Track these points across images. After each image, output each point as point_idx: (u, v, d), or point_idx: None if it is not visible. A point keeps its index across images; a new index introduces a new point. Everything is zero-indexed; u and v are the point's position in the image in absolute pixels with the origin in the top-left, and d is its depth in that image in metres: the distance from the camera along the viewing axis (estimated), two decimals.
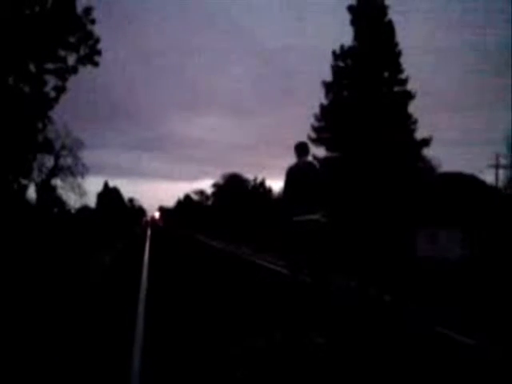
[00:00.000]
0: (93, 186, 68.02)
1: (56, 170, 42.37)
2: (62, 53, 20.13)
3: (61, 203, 46.81)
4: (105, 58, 21.48)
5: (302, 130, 27.10)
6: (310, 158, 5.97)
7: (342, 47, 25.80)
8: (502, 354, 4.49)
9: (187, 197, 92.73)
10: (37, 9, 19.00)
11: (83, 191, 43.92)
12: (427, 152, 25.78)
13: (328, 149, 25.92)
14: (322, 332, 4.91)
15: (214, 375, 3.81)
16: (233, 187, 66.27)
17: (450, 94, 69.26)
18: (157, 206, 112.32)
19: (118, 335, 4.94)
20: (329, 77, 25.95)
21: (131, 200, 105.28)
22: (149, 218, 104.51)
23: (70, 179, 42.86)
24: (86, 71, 21.09)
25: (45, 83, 20.16)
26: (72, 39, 20.03)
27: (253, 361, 4.17)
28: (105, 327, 5.33)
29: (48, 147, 27.95)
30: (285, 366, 4.06)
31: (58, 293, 7.57)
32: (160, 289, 8.17)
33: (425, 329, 5.49)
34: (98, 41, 20.54)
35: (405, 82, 24.93)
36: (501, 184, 30.31)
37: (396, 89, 24.99)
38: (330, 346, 4.61)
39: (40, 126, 21.14)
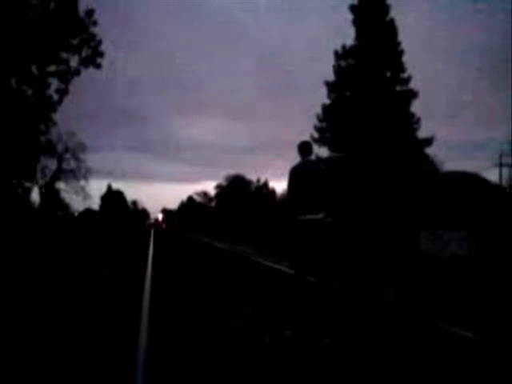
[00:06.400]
0: (96, 189, 68.07)
1: (59, 173, 42.58)
2: (65, 55, 20.23)
3: (64, 206, 47.01)
4: (107, 60, 21.55)
5: (305, 131, 27.09)
6: (313, 158, 5.96)
7: (343, 47, 25.76)
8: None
9: (190, 198, 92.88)
10: (38, 11, 19.05)
11: (86, 194, 44.13)
12: (430, 151, 25.68)
13: (331, 149, 25.87)
14: (330, 331, 4.88)
15: (220, 374, 3.78)
16: (236, 188, 66.30)
17: (453, 92, 69.08)
18: (160, 209, 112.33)
19: None
20: (331, 77, 25.94)
21: (134, 202, 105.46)
22: (152, 221, 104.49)
23: (74, 182, 43.08)
24: (88, 74, 21.16)
25: (47, 86, 20.22)
26: (74, 41, 20.10)
27: (262, 358, 4.14)
28: None
29: (51, 150, 28.03)
30: (294, 364, 4.03)
31: None
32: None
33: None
34: (100, 43, 20.61)
35: (407, 81, 24.87)
36: (505, 183, 30.24)
37: (398, 88, 24.93)
38: (337, 345, 4.57)
39: (43, 128, 21.19)
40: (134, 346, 4.49)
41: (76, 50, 20.02)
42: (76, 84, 20.94)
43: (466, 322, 5.75)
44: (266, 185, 69.19)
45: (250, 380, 3.71)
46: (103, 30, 20.94)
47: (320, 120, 26.36)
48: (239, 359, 4.17)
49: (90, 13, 19.88)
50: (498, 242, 14.73)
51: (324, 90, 26.07)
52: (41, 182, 40.28)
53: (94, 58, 20.39)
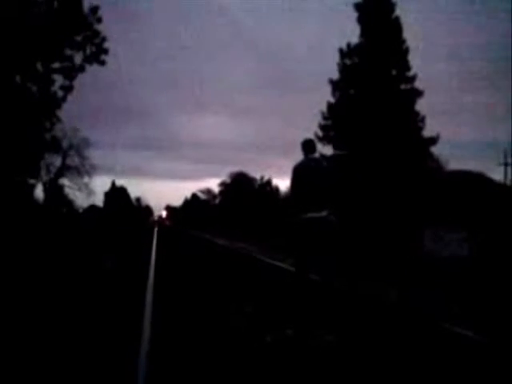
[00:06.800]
0: (100, 186, 68.07)
1: (63, 170, 42.73)
2: (69, 52, 20.26)
3: (68, 202, 47.18)
4: (110, 57, 21.55)
5: (309, 129, 27.04)
6: (316, 155, 5.95)
7: (348, 45, 25.67)
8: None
9: (194, 196, 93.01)
10: (43, 8, 19.08)
11: (90, 190, 44.29)
12: (435, 150, 25.57)
13: (335, 147, 25.81)
14: (331, 330, 4.88)
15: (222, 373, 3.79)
16: (240, 186, 66.33)
17: (458, 91, 68.81)
18: (163, 206, 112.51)
19: None
20: (335, 75, 25.87)
21: (138, 199, 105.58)
22: (156, 218, 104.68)
23: (77, 179, 43.24)
24: (92, 70, 21.19)
25: (52, 82, 20.28)
26: (78, 38, 20.13)
27: (264, 356, 4.15)
28: None
29: (55, 146, 28.10)
30: (295, 362, 4.03)
31: None
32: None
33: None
34: (104, 39, 20.63)
35: (412, 79, 24.77)
36: (509, 182, 30.13)
37: (403, 86, 24.84)
38: (339, 343, 4.57)
39: (47, 125, 21.25)
40: (135, 346, 4.51)
41: (80, 47, 20.07)
42: (79, 81, 21.01)
43: (467, 321, 5.74)
44: (269, 182, 69.18)
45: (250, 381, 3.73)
46: (107, 27, 20.98)
47: (324, 118, 26.29)
48: (239, 360, 4.18)
49: (94, 10, 19.91)
50: (499, 242, 14.68)
51: (328, 89, 26.02)
52: (45, 178, 40.44)
53: (98, 54, 20.42)
